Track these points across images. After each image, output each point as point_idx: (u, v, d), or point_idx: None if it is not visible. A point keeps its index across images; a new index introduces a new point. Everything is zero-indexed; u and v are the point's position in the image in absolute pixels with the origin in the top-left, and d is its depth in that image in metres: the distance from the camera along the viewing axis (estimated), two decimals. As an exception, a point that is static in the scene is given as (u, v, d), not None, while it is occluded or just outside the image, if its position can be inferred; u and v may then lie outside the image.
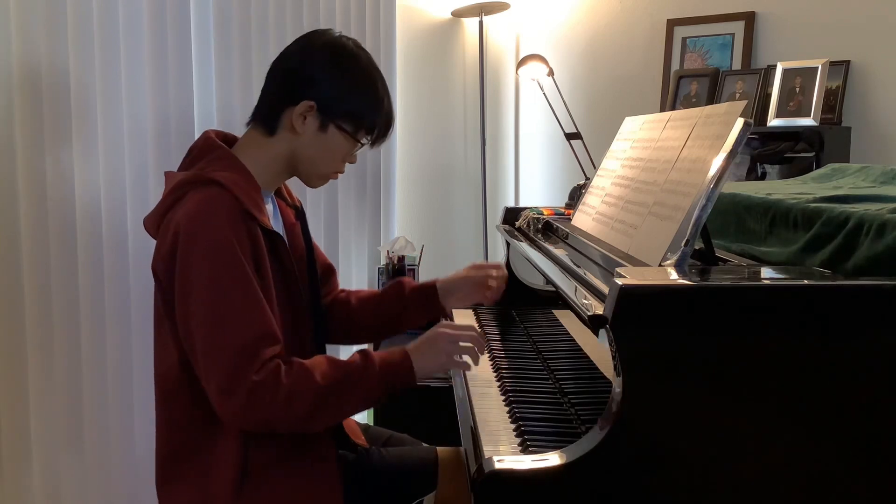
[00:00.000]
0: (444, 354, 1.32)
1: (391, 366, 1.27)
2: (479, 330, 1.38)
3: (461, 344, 1.33)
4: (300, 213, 1.51)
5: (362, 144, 1.39)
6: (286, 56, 1.38)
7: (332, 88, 1.33)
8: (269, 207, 1.38)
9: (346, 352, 2.44)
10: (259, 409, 1.18)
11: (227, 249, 1.21)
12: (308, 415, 1.21)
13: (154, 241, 1.32)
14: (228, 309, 1.20)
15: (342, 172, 1.42)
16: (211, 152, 1.34)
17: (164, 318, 1.29)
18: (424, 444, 1.58)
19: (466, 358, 1.35)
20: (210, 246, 1.21)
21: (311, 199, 2.71)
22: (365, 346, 1.34)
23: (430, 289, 1.60)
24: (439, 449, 1.48)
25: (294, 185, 1.53)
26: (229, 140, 1.40)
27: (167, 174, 1.37)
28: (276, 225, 1.40)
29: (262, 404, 1.18)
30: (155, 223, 1.32)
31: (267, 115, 1.36)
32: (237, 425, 1.23)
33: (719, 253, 1.36)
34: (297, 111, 1.32)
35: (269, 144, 1.36)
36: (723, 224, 1.49)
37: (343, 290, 1.65)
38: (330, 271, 1.63)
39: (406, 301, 1.59)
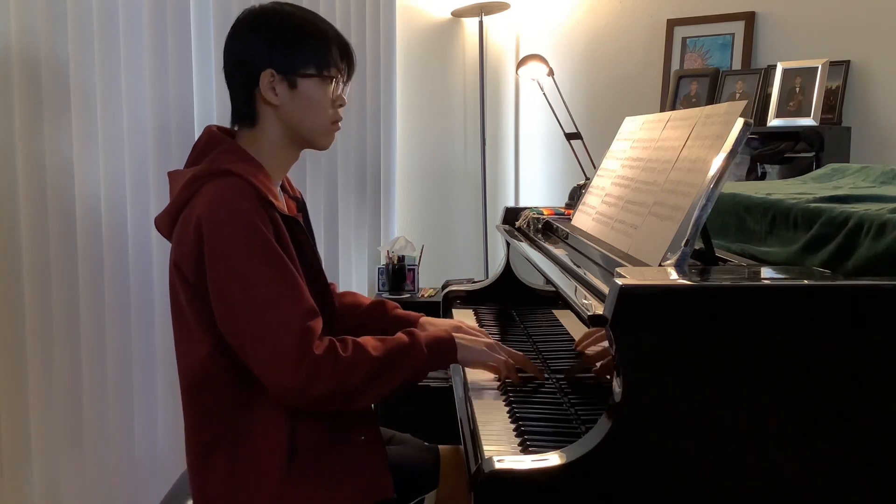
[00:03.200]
0: (484, 354, 1.40)
1: (437, 341, 1.34)
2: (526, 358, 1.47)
3: (499, 356, 1.41)
4: (301, 205, 1.52)
5: (336, 81, 1.38)
6: (225, 53, 1.38)
7: (276, 48, 1.33)
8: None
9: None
10: (320, 382, 1.21)
11: (256, 232, 1.22)
12: (363, 387, 1.24)
13: (159, 241, 1.31)
14: (272, 290, 1.21)
15: (340, 119, 1.41)
16: (218, 145, 1.35)
17: (191, 312, 1.28)
18: (426, 444, 1.58)
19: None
20: (238, 231, 1.22)
21: (312, 199, 2.71)
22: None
23: (412, 323, 1.59)
24: (441, 447, 1.49)
25: (295, 183, 1.52)
26: (229, 135, 1.41)
27: (171, 174, 1.37)
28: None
29: (322, 378, 1.21)
30: (169, 221, 1.31)
31: (243, 110, 1.37)
32: (296, 401, 1.24)
33: (719, 253, 1.36)
34: (264, 86, 1.33)
35: (260, 132, 1.36)
36: (723, 224, 1.49)
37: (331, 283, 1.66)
38: None
39: (386, 325, 1.60)
